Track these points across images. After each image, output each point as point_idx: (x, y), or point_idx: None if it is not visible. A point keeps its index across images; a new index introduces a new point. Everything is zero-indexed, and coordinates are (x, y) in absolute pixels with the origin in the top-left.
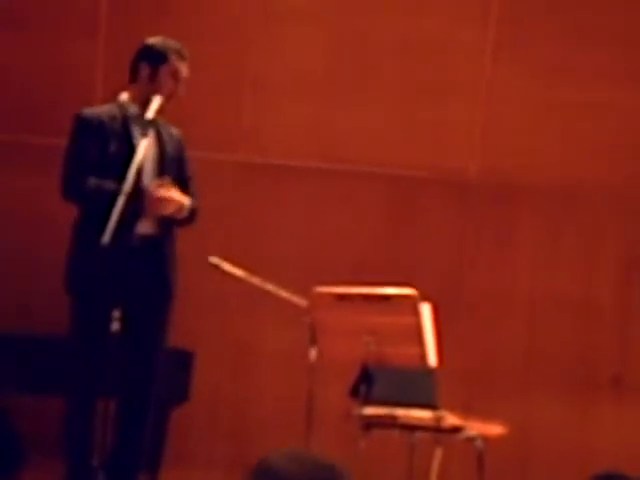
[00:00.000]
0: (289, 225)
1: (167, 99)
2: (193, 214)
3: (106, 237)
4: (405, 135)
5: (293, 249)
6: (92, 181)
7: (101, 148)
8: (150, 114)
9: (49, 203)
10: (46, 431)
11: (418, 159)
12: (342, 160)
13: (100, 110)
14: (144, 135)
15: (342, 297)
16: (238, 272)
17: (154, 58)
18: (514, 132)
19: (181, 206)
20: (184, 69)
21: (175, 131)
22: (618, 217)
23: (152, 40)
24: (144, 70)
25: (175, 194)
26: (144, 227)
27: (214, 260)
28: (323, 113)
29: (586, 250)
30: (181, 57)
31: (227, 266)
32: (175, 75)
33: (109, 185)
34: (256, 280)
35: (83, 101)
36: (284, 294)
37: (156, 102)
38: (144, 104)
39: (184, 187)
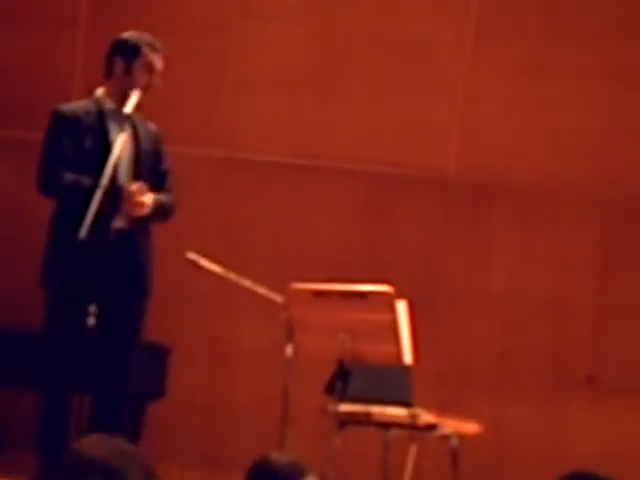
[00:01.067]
0: (267, 221)
1: (143, 92)
2: (168, 209)
3: (83, 232)
4: (384, 132)
5: (271, 245)
6: (68, 176)
7: (77, 143)
8: (128, 109)
9: (28, 198)
10: (20, 426)
11: (397, 157)
12: (321, 157)
13: (76, 105)
14: (121, 130)
15: (319, 294)
16: (215, 268)
17: (127, 52)
18: (493, 130)
19: (147, 206)
20: (158, 61)
21: (152, 126)
22: (595, 216)
23: (125, 34)
24: (118, 65)
25: (149, 197)
26: (118, 221)
27: (191, 256)
28: (302, 110)
29: (563, 249)
30: (154, 49)
31: (204, 262)
32: (149, 68)
33: (86, 180)
34: (233, 276)
35: (62, 95)
36: (261, 290)
37: (134, 97)
38: (120, 99)
39: (160, 181)
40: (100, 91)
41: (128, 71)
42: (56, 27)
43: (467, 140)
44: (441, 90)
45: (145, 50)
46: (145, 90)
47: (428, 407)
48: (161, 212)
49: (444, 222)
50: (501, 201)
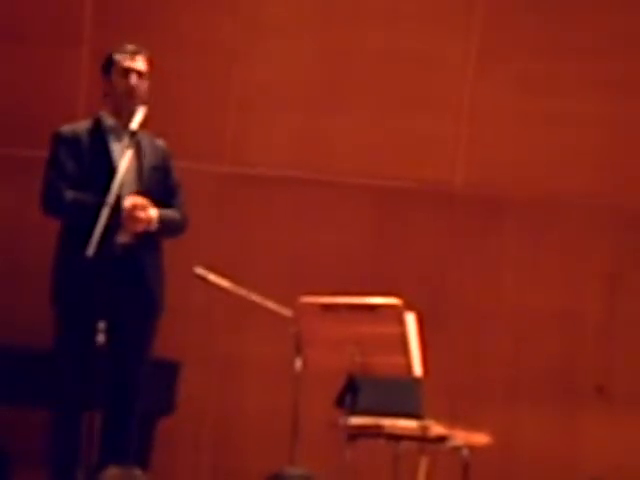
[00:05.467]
0: (274, 236)
1: (127, 96)
2: (177, 225)
3: (90, 249)
4: (391, 147)
5: (278, 260)
6: (69, 195)
7: (78, 162)
8: (134, 125)
9: (33, 215)
10: (31, 444)
11: (404, 171)
12: (327, 171)
13: (77, 125)
14: (124, 147)
15: (327, 307)
16: (224, 283)
17: (106, 67)
18: (499, 144)
19: (151, 221)
20: (135, 63)
21: (160, 142)
22: (603, 228)
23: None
24: (105, 83)
25: (150, 211)
26: (123, 236)
27: (200, 271)
28: (308, 124)
29: (571, 261)
30: (128, 53)
31: (213, 277)
32: (123, 72)
33: (86, 197)
34: (242, 291)
35: (67, 114)
36: (270, 305)
37: (140, 113)
38: (118, 115)
39: (169, 197)
40: (103, 110)
41: (111, 84)
42: (60, 47)
43: (473, 154)
44: (447, 105)
45: (117, 58)
46: (129, 95)
47: (438, 419)
48: (169, 227)
49: (451, 236)
50: (508, 214)
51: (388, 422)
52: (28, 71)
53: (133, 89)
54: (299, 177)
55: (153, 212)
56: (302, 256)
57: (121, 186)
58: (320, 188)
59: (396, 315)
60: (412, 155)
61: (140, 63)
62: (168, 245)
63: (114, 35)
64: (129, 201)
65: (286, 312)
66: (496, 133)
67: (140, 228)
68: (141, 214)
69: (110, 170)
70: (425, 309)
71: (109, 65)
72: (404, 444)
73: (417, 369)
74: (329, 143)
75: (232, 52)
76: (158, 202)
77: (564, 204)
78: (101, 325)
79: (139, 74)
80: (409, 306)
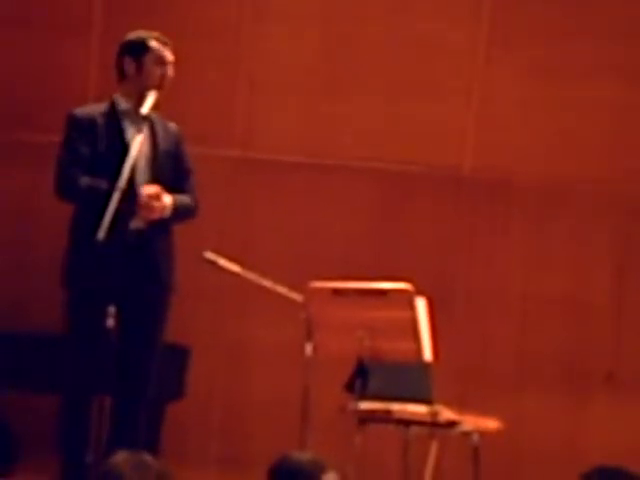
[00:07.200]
0: (283, 220)
1: (158, 87)
2: (189, 210)
3: (101, 233)
4: (399, 132)
5: (287, 244)
6: (85, 180)
7: (93, 146)
8: (145, 109)
9: (43, 200)
10: (41, 428)
11: (411, 155)
12: (335, 156)
13: (91, 108)
14: (138, 131)
15: (338, 292)
16: (234, 267)
17: (136, 50)
18: (507, 129)
19: (165, 209)
20: (168, 54)
21: (172, 126)
22: (612, 214)
23: (131, 35)
24: (129, 65)
25: (165, 199)
26: (136, 222)
27: (209, 256)
28: (316, 109)
29: (579, 247)
30: (162, 43)
31: (222, 262)
32: (159, 60)
33: (101, 183)
34: (251, 275)
35: (77, 99)
36: (280, 289)
37: (151, 98)
38: (136, 99)
39: (181, 182)
40: (118, 94)
41: (140, 69)
42: (70, 32)
43: (482, 139)
44: (456, 90)
45: (153, 44)
46: (159, 85)
47: (447, 404)
48: (181, 213)
49: (458, 221)
50: (516, 200)
51: (398, 407)
52: (38, 56)
53: (166, 80)
54: (308, 162)
55: (167, 199)
56: (310, 240)
57: (135, 171)
58: (330, 173)
59: (407, 300)
60: (420, 140)
61: (170, 54)
62: (177, 229)
63: (124, 20)
64: (145, 191)
65: (296, 297)
66: (504, 118)
67: (155, 216)
68: (156, 203)
69: (124, 154)
70: (432, 294)
71: (139, 48)
72: (414, 429)
73: (427, 354)
74: (338, 128)
75: (240, 37)
76: (170, 187)
77: (572, 189)
78: (111, 309)
79: (171, 64)
80: (416, 291)
